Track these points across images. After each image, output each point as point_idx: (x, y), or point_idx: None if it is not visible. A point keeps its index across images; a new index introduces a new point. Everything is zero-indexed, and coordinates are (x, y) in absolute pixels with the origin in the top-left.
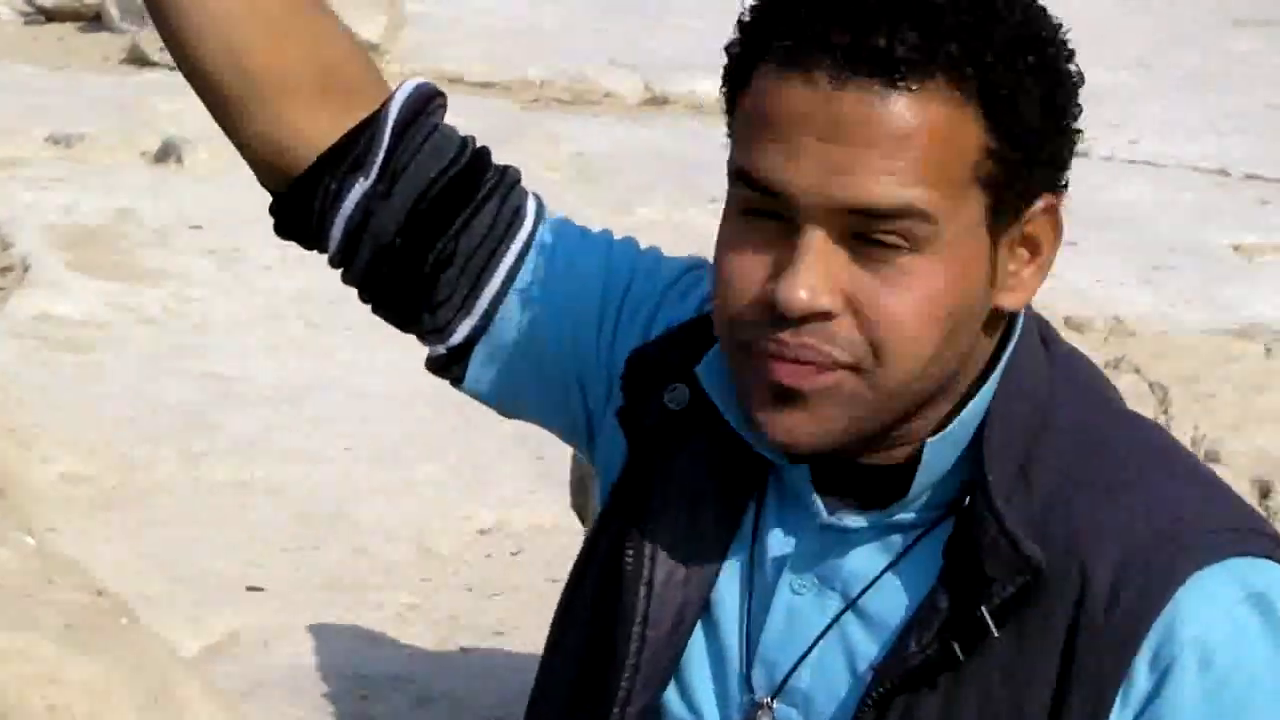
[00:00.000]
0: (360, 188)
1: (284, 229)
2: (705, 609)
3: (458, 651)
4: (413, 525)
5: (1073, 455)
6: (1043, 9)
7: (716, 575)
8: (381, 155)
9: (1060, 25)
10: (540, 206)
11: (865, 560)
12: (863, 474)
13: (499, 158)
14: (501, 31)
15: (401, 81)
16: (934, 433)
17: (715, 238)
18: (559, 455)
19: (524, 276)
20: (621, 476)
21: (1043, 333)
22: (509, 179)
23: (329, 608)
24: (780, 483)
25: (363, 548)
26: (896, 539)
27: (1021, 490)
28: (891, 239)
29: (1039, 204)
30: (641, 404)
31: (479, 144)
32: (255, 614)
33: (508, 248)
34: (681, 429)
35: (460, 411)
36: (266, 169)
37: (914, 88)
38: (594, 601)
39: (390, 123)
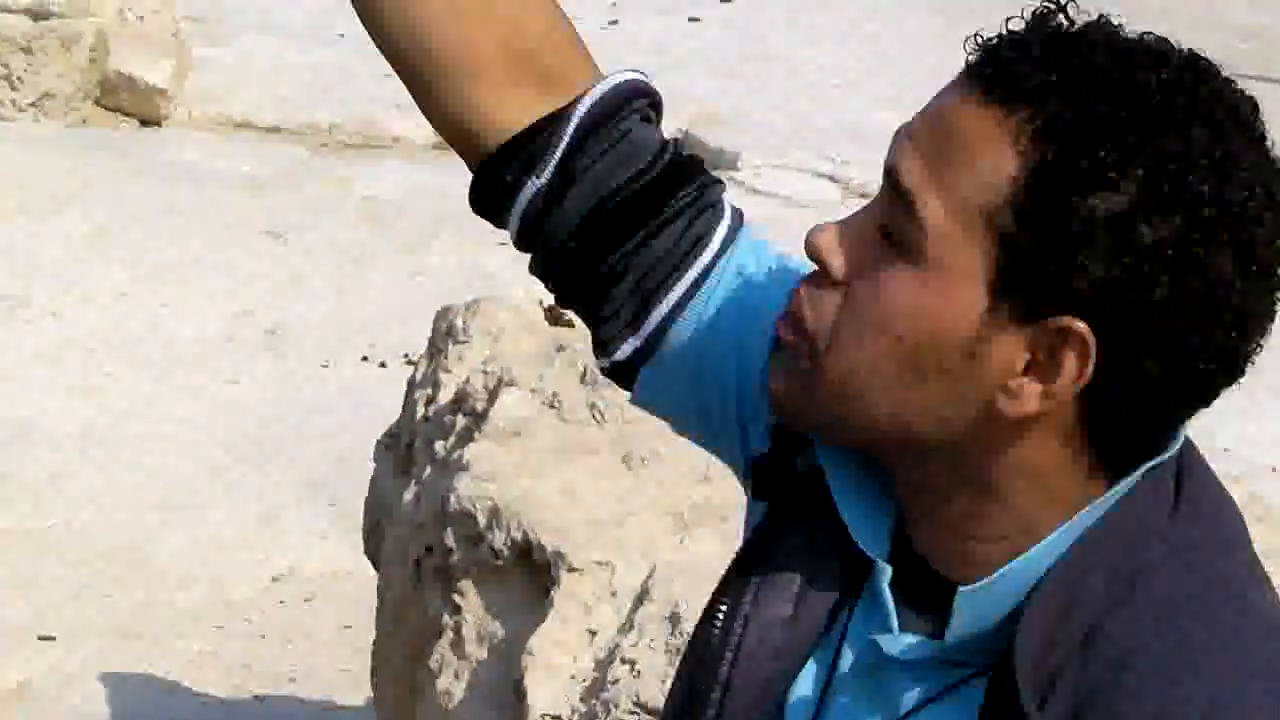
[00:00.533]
0: (533, 186)
1: (476, 207)
2: (785, 690)
3: (251, 699)
4: (206, 571)
5: (1148, 633)
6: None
7: (805, 659)
8: (557, 156)
9: (1255, 186)
10: (732, 234)
11: (913, 685)
12: (943, 588)
13: (287, 202)
14: (290, 76)
15: (609, 74)
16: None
17: (502, 281)
18: (352, 500)
19: (695, 307)
20: (755, 529)
21: (1181, 479)
22: (705, 200)
23: (122, 655)
24: (874, 578)
25: (155, 594)
26: (949, 670)
27: (1076, 662)
28: (897, 233)
29: (1065, 320)
30: (781, 458)
31: (684, 155)
32: (47, 662)
33: (683, 275)
34: (811, 495)
35: (252, 456)
36: (458, 147)
37: (984, 102)
38: (698, 651)
39: (574, 122)
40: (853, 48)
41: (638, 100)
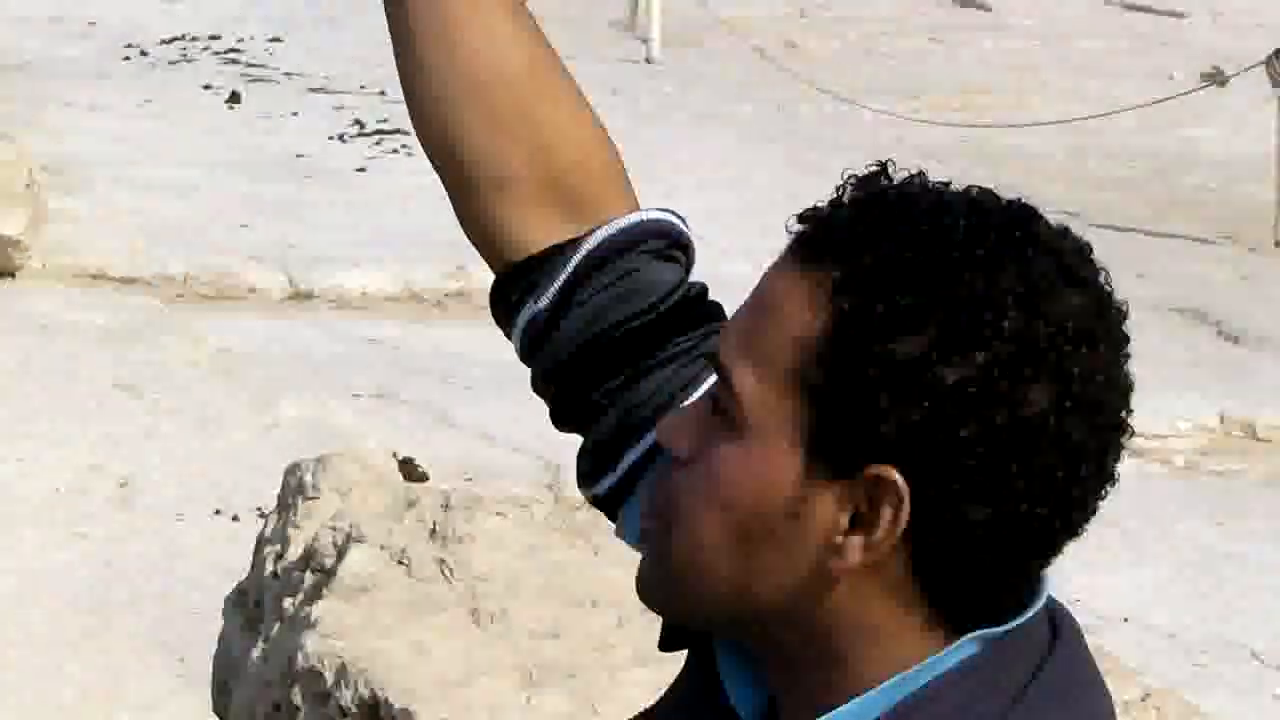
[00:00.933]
0: (531, 310)
1: (494, 316)
2: None
3: None
4: None
5: None
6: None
7: None
8: (558, 284)
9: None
10: None
11: None
12: None
13: (141, 354)
14: (145, 227)
15: (636, 210)
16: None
17: (357, 433)
18: (200, 656)
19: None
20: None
21: (1047, 659)
22: (706, 347)
23: None
24: None
25: None
26: None
27: None
28: (721, 407)
29: (877, 469)
30: None
31: (697, 299)
32: None
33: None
34: (708, 647)
35: (101, 611)
36: (483, 254)
37: (795, 264)
38: None
39: (581, 253)
40: (705, 198)
41: (654, 240)
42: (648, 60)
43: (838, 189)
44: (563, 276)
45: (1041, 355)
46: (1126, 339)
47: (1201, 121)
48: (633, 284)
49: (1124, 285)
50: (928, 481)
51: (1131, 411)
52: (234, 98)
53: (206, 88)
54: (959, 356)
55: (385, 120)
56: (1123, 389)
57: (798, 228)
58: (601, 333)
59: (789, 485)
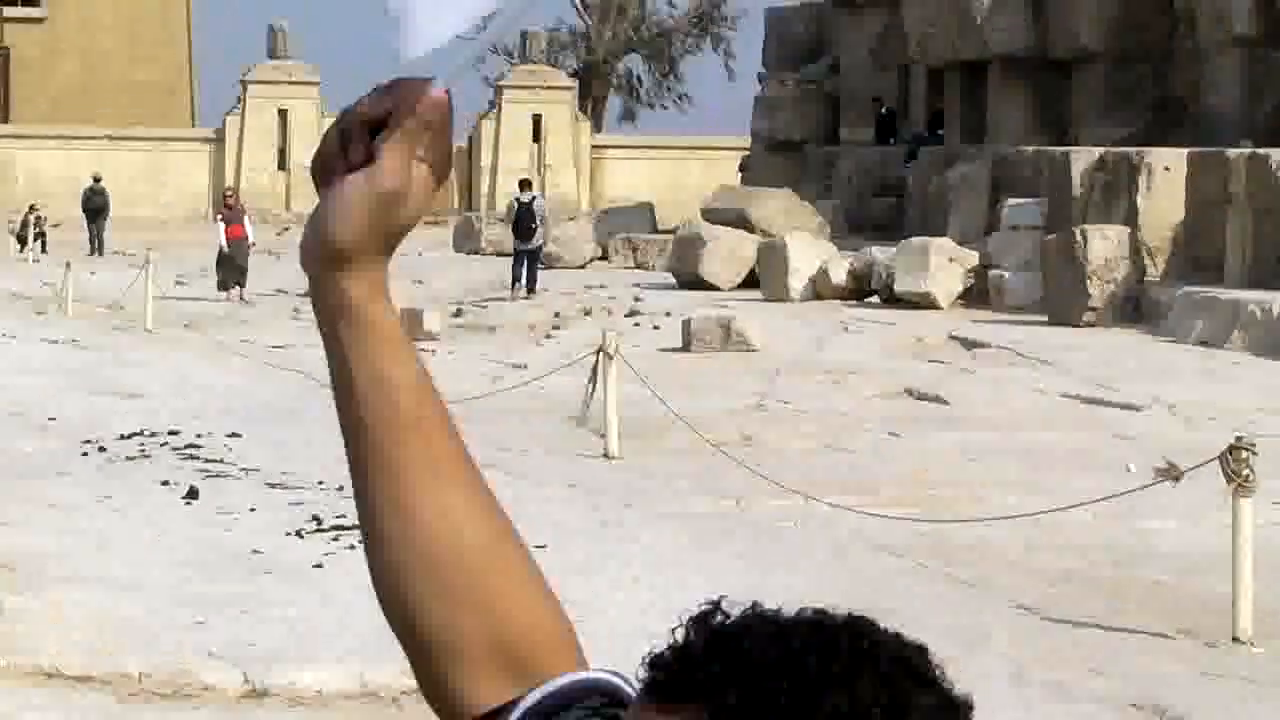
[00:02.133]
0: None
1: None
2: None
3: None
4: None
5: None
6: None
7: None
8: None
9: None
10: None
11: None
12: None
13: None
14: (100, 623)
15: (588, 670)
16: None
17: None
18: None
19: None
20: None
21: None
22: None
23: None
24: None
25: None
26: None
27: None
28: None
29: None
30: None
31: None
32: None
33: None
34: None
35: None
36: (437, 713)
37: (659, 710)
38: None
39: (517, 713)
40: (661, 596)
41: (591, 699)
42: (606, 455)
43: (676, 631)
44: None
45: None
46: None
47: (1157, 514)
48: None
49: (1080, 681)
50: None
51: None
52: (192, 493)
53: (164, 483)
54: None
55: (343, 516)
56: None
57: (647, 675)
58: None
59: None
